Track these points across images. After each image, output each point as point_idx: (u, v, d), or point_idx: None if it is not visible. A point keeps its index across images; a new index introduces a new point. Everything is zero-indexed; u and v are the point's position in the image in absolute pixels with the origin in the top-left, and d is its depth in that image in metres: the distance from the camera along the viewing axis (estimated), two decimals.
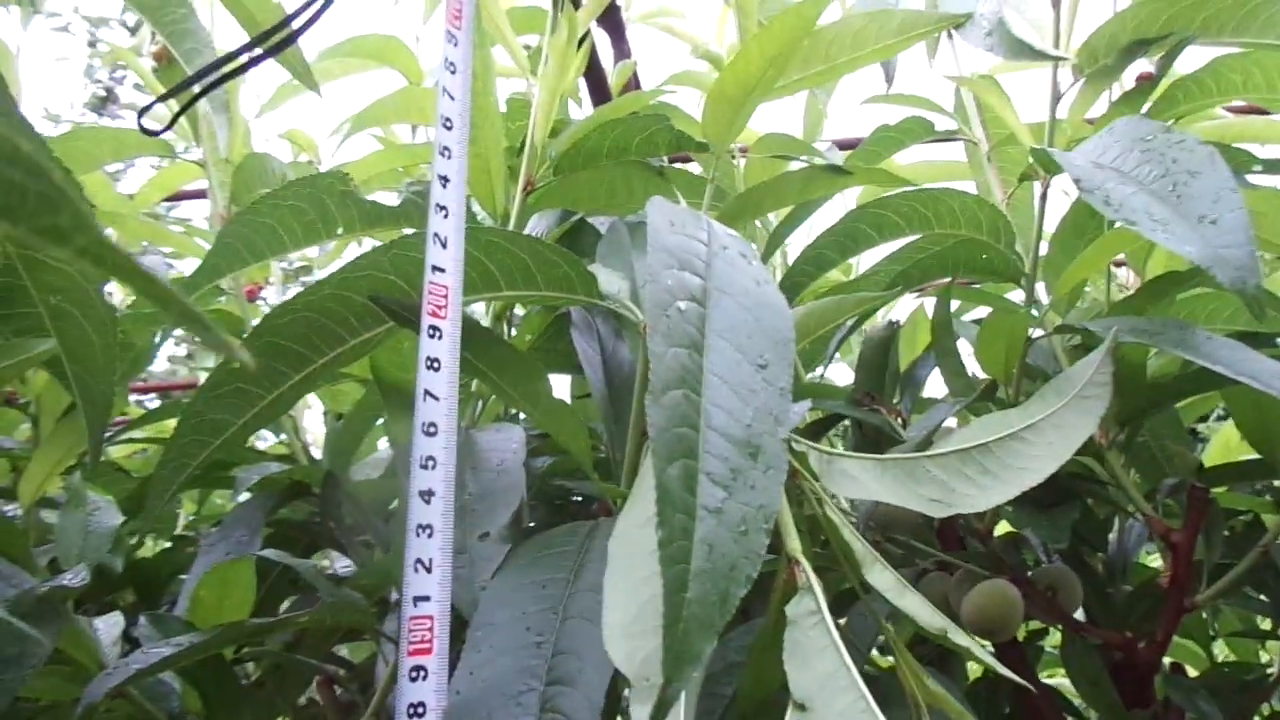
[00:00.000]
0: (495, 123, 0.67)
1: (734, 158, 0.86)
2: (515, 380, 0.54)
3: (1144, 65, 0.71)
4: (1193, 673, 1.01)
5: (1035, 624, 1.01)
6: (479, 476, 0.60)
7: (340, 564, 0.98)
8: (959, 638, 0.49)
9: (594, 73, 1.09)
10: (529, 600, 0.49)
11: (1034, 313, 0.71)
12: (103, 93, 8.61)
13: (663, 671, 0.33)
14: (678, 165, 0.85)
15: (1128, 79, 0.79)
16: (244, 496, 0.93)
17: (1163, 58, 0.69)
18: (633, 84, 1.16)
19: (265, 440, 1.34)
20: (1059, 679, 1.03)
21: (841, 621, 0.78)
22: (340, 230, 0.70)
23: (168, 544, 1.09)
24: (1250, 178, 0.83)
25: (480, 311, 0.68)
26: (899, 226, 0.69)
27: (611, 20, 1.20)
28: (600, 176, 0.68)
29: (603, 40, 1.21)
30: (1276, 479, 0.80)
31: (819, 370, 0.93)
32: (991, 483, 0.57)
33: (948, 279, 0.75)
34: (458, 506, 0.54)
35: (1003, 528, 0.92)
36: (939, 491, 0.56)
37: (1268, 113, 0.95)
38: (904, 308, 1.14)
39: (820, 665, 0.43)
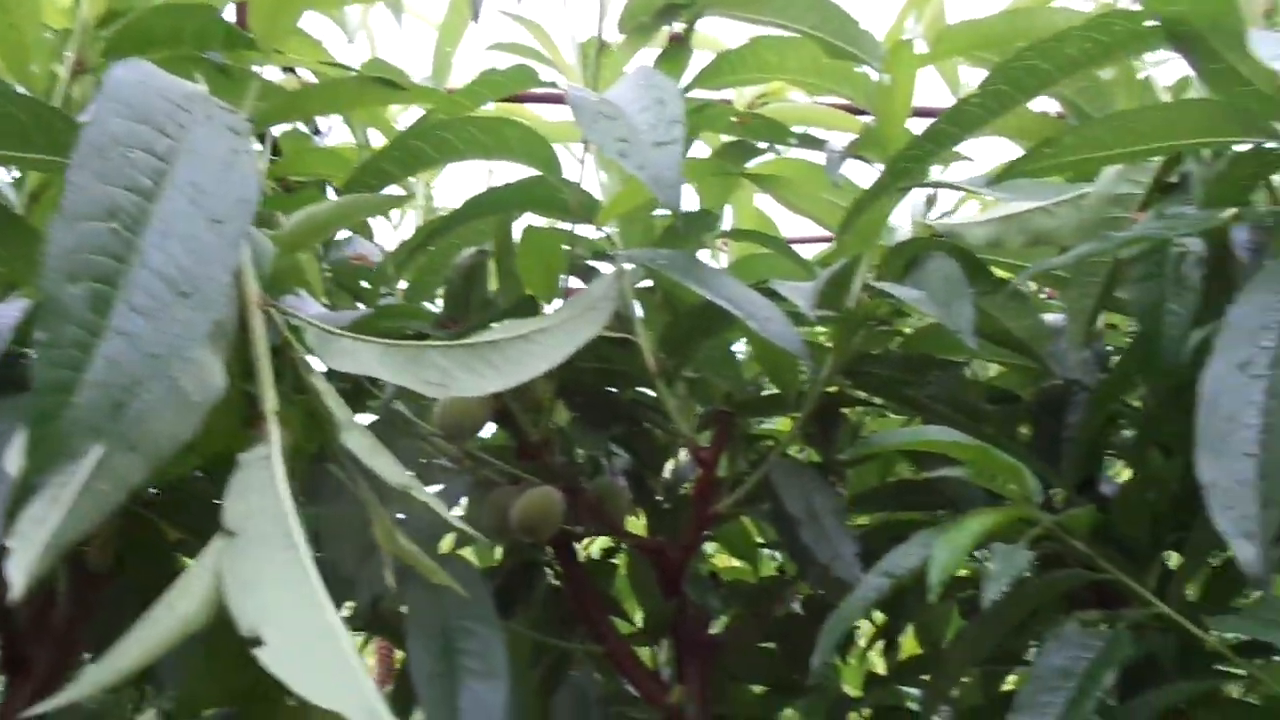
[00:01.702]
0: None
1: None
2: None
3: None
4: None
5: (607, 542, 1.12)
6: None
7: None
8: (420, 494, 0.56)
9: None
10: None
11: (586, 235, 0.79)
12: None
13: (28, 458, 0.36)
14: None
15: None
16: None
17: (687, 25, 0.79)
18: None
19: None
20: None
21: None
22: None
23: None
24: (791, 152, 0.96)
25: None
26: (457, 149, 0.75)
27: None
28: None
29: None
30: (791, 412, 0.93)
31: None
32: (492, 374, 0.64)
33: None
34: None
35: None
36: (439, 377, 0.62)
37: (861, 112, 1.10)
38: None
39: (257, 500, 0.47)
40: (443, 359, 0.63)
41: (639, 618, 1.02)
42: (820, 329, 0.99)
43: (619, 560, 1.11)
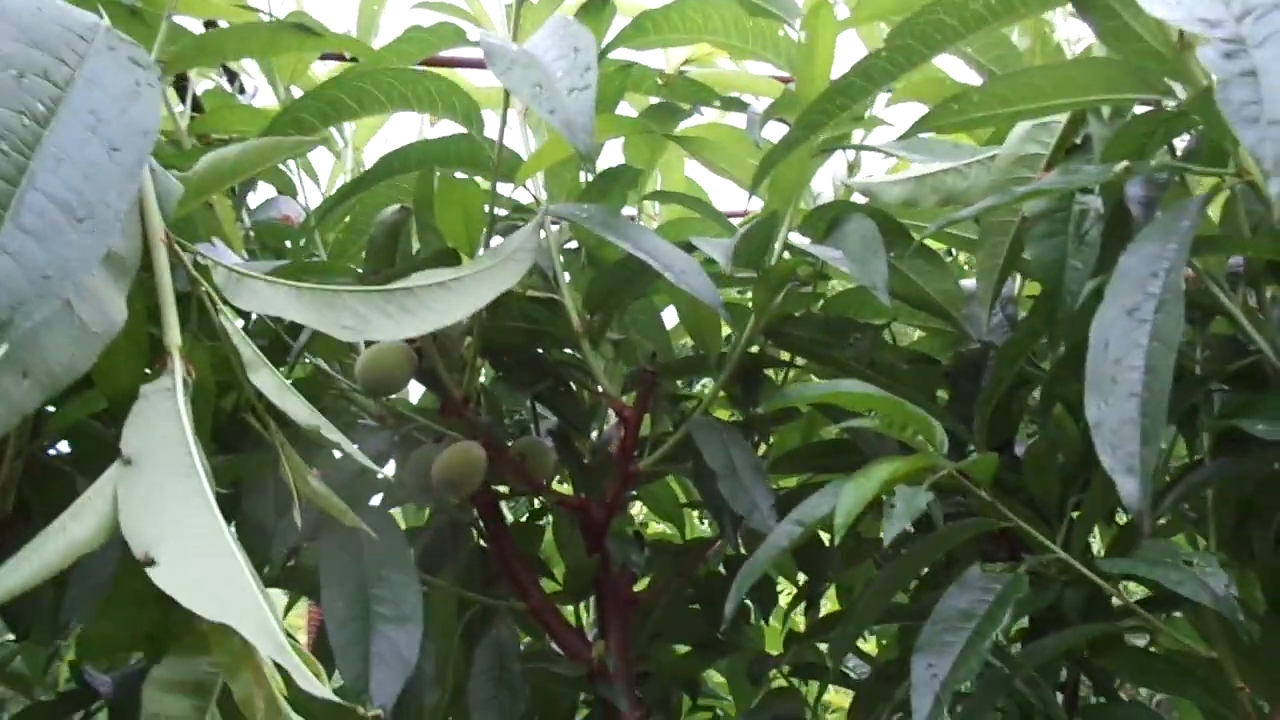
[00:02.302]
0: None
1: None
2: None
3: None
4: None
5: (535, 505, 1.12)
6: None
7: None
8: (331, 434, 0.56)
9: None
10: None
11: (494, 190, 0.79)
12: None
13: None
14: None
15: None
16: None
17: None
18: None
19: None
20: None
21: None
22: None
23: None
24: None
25: None
26: (378, 101, 0.74)
27: None
28: None
29: None
30: (709, 374, 0.94)
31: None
32: (407, 319, 0.64)
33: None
34: None
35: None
36: (354, 320, 0.62)
37: (788, 80, 1.11)
38: None
39: (158, 428, 0.47)
40: (359, 304, 0.62)
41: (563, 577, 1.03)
42: (742, 294, 1.01)
43: (546, 524, 1.11)
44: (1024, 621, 0.90)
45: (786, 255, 0.87)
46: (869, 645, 1.29)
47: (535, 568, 0.98)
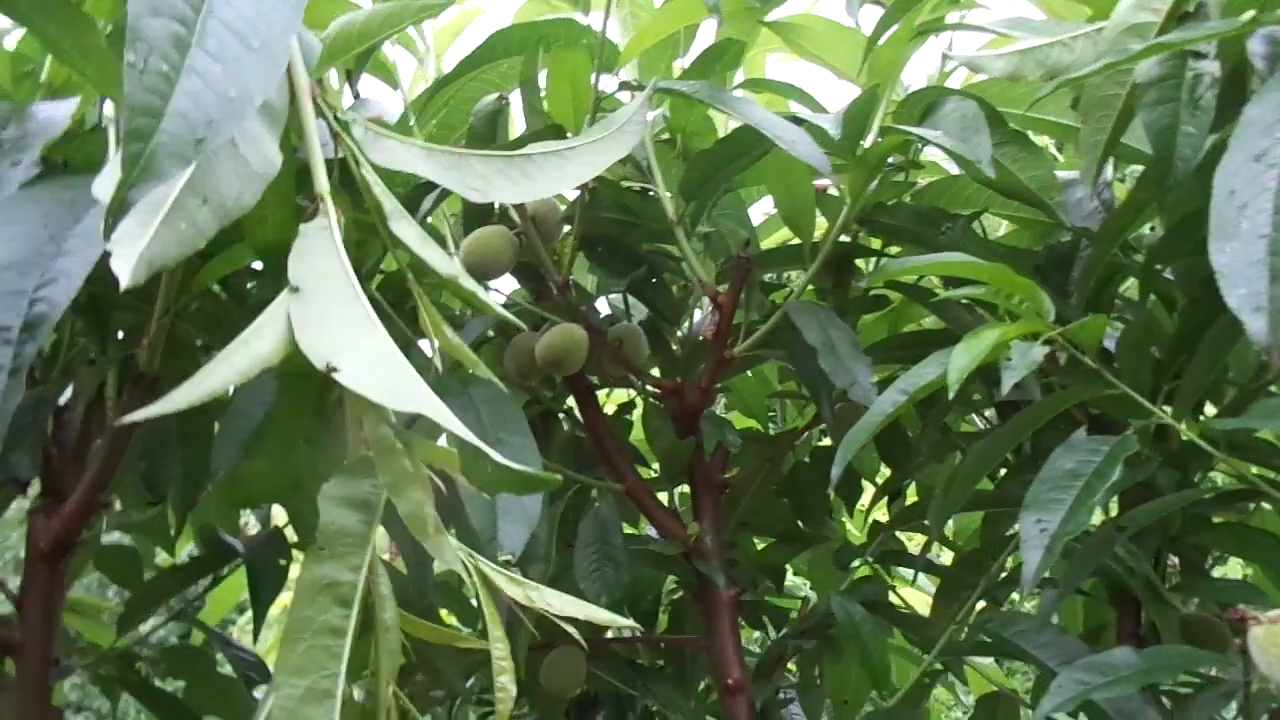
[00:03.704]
0: None
1: None
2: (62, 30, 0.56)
3: None
4: None
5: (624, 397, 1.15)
6: None
7: None
8: (466, 282, 0.58)
9: None
10: None
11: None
12: None
13: (123, 171, 0.38)
14: None
15: None
16: None
17: None
18: None
19: None
20: None
21: None
22: None
23: None
24: None
25: None
26: None
27: None
28: None
29: None
30: (804, 266, 0.95)
31: None
32: (526, 183, 0.66)
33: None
34: None
35: None
36: (479, 182, 0.64)
37: None
38: None
39: (319, 261, 0.50)
40: (482, 166, 0.64)
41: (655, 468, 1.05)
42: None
43: (634, 417, 1.13)
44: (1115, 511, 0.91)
45: (882, 138, 0.87)
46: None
47: (629, 454, 1.01)
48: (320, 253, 0.50)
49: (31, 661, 0.74)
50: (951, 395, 0.64)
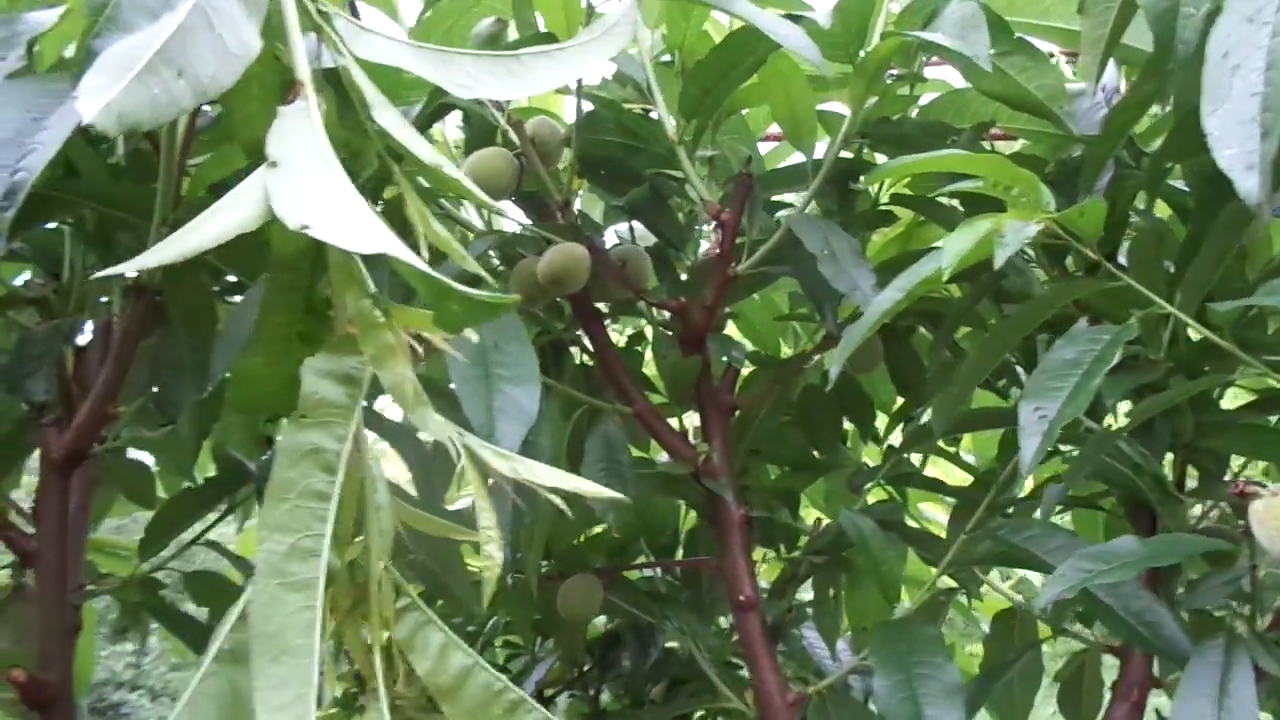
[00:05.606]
0: None
1: None
2: None
3: None
4: None
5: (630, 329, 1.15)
6: None
7: None
8: (453, 172, 0.58)
9: None
10: None
11: None
12: None
13: (85, 19, 0.38)
14: None
15: None
16: None
17: None
18: None
19: None
20: None
21: None
22: None
23: None
24: None
25: None
26: None
27: None
28: None
29: None
30: (806, 185, 0.94)
31: None
32: (514, 81, 0.66)
33: None
34: None
35: None
36: (467, 79, 0.64)
37: None
38: None
39: (297, 139, 0.50)
40: (471, 64, 0.64)
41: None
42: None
43: (642, 348, 1.14)
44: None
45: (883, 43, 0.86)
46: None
47: (638, 378, 1.01)
48: (297, 131, 0.50)
49: (50, 571, 0.76)
50: (946, 278, 0.63)
